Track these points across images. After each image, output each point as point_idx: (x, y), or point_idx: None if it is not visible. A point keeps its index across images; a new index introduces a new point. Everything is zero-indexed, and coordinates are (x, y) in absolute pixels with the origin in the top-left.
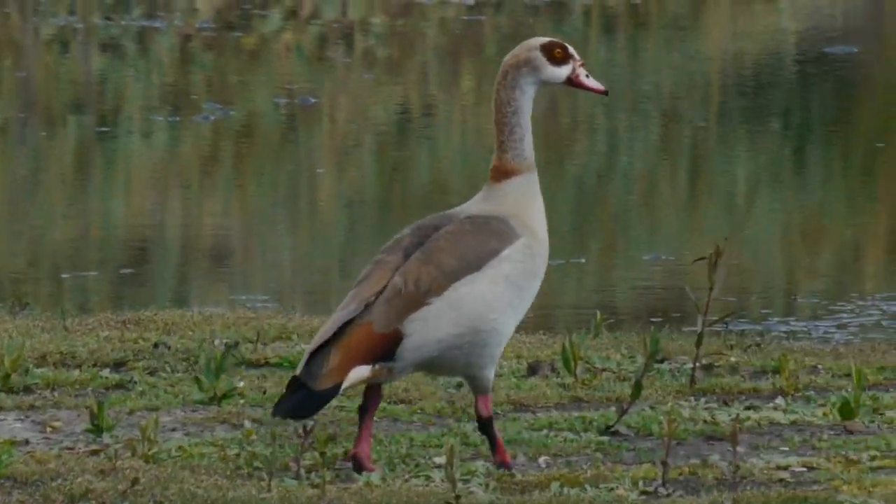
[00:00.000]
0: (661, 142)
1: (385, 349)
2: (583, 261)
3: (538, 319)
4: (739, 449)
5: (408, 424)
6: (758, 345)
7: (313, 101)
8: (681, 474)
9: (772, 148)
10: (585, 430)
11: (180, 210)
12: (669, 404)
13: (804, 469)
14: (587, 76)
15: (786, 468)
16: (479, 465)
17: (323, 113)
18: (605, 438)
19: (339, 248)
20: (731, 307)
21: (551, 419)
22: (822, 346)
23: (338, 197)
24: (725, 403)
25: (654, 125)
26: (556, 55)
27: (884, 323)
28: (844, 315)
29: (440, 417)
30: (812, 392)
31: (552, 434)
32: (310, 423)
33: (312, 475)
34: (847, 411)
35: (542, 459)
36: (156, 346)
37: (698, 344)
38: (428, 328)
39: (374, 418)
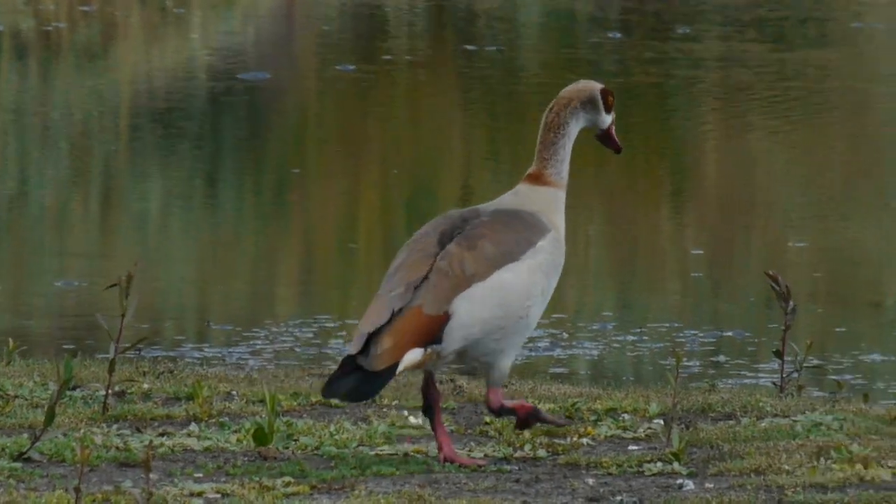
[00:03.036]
0: (73, 168)
1: (435, 331)
2: None
3: None
4: (153, 476)
5: None
6: (171, 371)
7: None
8: (94, 501)
9: (186, 174)
10: None
11: None
12: (82, 431)
13: (219, 495)
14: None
15: (200, 495)
16: None
17: None
18: (18, 465)
19: None
20: (144, 334)
21: None
22: (236, 372)
23: None
24: (139, 430)
25: (65, 152)
26: (609, 102)
27: (297, 349)
28: (258, 341)
29: None
30: (226, 418)
31: None
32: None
33: None
34: (261, 437)
35: None
36: None
37: (111, 370)
38: (474, 307)
39: None
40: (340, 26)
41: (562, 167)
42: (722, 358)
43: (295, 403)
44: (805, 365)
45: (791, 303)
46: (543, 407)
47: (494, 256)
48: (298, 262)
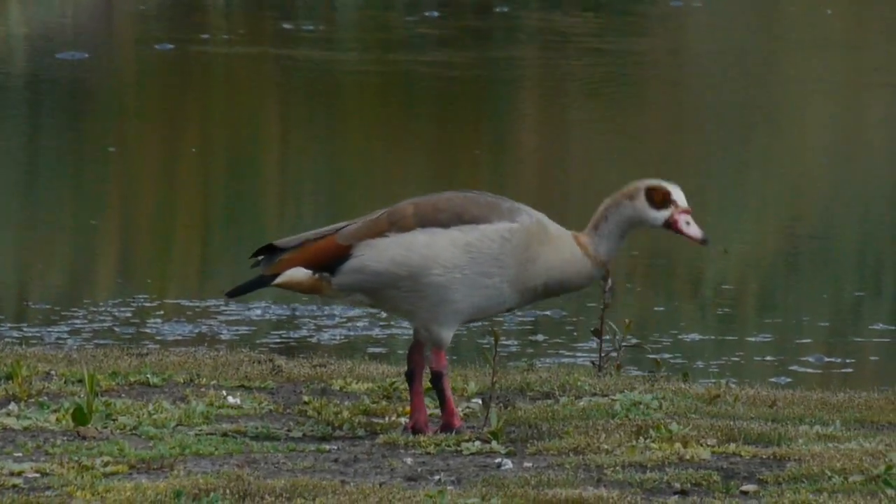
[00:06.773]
0: None
1: (331, 260)
2: None
3: None
4: None
5: None
6: None
7: None
8: None
9: (3, 153)
10: None
11: None
12: None
13: (38, 475)
14: (687, 223)
15: (19, 474)
16: None
17: None
18: None
19: None
20: None
21: None
22: (55, 351)
23: None
24: None
25: None
26: (656, 199)
27: (116, 329)
28: (77, 321)
29: None
30: (45, 398)
31: None
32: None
33: None
34: (80, 417)
35: None
36: None
37: None
38: (371, 256)
39: None
40: (158, 6)
41: (602, 243)
42: (540, 337)
43: (114, 383)
44: (624, 344)
45: (609, 281)
46: (361, 386)
47: (427, 220)
48: (116, 242)
